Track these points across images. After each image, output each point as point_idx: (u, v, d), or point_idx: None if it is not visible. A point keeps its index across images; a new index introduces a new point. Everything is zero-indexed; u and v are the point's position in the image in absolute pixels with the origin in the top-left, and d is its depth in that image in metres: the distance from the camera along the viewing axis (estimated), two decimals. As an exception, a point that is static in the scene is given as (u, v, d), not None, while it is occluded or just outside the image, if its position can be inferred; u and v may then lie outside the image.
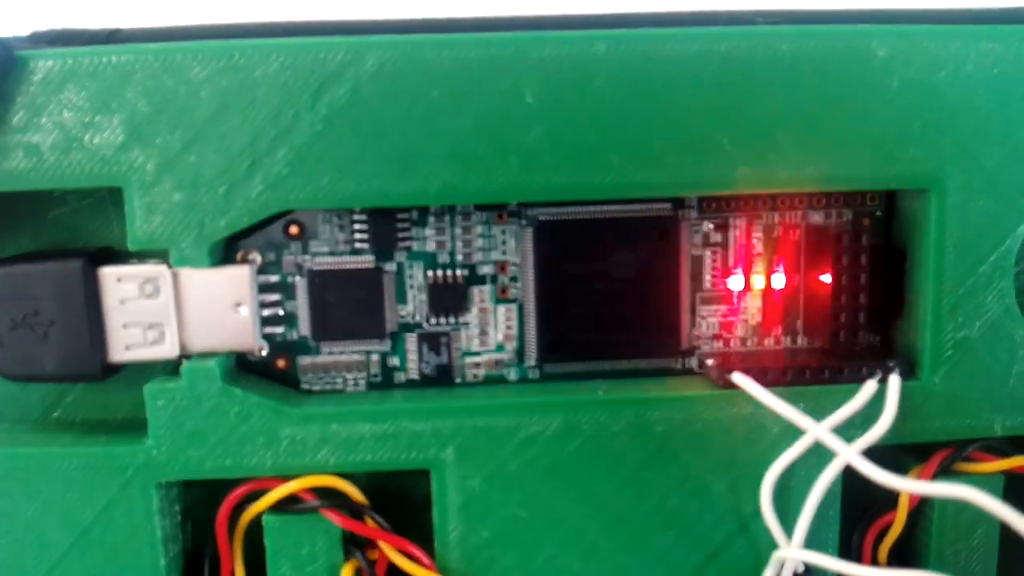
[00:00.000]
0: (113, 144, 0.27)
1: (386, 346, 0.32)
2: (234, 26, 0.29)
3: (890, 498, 0.31)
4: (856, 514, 0.32)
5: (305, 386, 0.32)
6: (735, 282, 0.32)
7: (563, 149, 0.28)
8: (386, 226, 0.30)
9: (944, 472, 0.31)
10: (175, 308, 0.29)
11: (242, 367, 0.31)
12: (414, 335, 0.32)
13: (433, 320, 0.32)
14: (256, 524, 0.30)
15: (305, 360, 0.31)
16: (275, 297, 0.31)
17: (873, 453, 0.28)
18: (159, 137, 0.27)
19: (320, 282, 0.31)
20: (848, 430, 0.29)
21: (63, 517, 0.29)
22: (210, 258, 0.28)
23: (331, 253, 0.31)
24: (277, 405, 0.29)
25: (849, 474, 0.29)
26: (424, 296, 0.31)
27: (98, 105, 0.27)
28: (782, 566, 0.29)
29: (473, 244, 0.31)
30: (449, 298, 0.31)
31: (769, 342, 0.33)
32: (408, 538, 0.30)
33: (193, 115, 0.27)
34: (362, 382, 0.32)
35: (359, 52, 0.27)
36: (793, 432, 0.29)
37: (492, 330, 0.32)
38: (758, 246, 0.32)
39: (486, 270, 0.31)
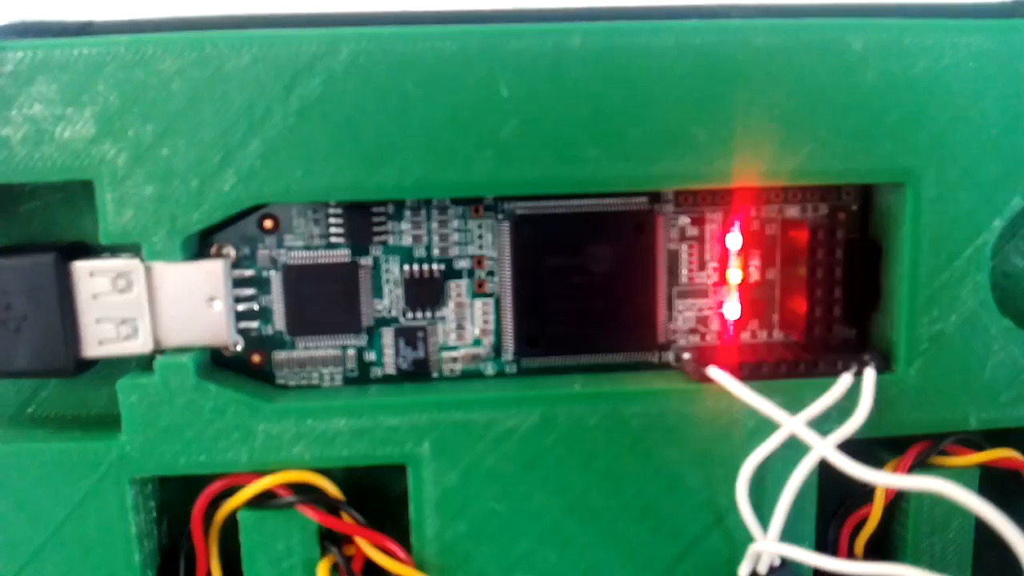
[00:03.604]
0: (84, 137, 0.27)
1: (362, 341, 0.31)
2: (206, 18, 0.28)
3: (866, 491, 0.31)
4: (832, 507, 0.32)
5: (280, 381, 0.31)
6: (711, 276, 0.32)
7: (538, 142, 0.28)
8: (361, 220, 0.30)
9: (920, 465, 0.31)
10: (148, 303, 0.29)
11: (216, 362, 0.31)
12: (390, 330, 0.31)
13: (409, 315, 0.31)
14: (232, 520, 0.30)
15: (280, 355, 0.31)
16: (250, 291, 0.31)
17: (849, 446, 0.29)
18: (130, 130, 0.27)
19: (295, 276, 0.30)
20: (824, 423, 0.29)
21: (36, 513, 0.29)
22: (183, 252, 0.28)
23: (306, 247, 0.31)
24: (252, 400, 0.29)
25: (825, 467, 0.29)
26: (400, 290, 0.31)
27: (69, 98, 0.27)
28: (758, 559, 0.30)
29: (449, 238, 0.31)
30: (425, 292, 0.31)
31: (745, 336, 0.33)
32: (385, 533, 0.30)
33: (164, 107, 0.27)
34: (338, 377, 0.32)
35: (332, 44, 0.27)
36: (769, 426, 0.29)
37: (469, 324, 0.32)
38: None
39: (463, 264, 0.31)
